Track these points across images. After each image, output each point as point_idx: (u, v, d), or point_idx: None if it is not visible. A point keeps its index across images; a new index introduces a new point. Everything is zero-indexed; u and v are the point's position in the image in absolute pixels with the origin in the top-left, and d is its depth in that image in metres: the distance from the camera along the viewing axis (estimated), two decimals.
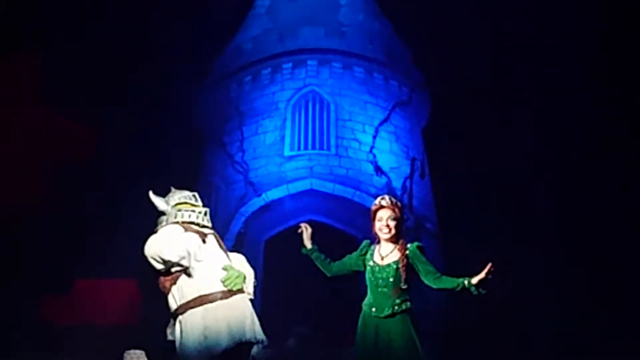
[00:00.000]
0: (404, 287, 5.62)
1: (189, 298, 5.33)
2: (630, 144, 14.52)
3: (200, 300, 5.30)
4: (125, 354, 10.29)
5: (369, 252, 5.88)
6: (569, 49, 15.88)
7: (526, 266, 14.47)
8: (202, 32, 17.03)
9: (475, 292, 5.45)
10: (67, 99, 13.92)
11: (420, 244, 5.79)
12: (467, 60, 17.20)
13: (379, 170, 15.66)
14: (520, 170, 16.26)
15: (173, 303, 5.42)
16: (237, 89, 16.99)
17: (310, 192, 15.38)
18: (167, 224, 5.60)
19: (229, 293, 5.37)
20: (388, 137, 16.33)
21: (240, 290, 5.45)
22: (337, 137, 15.90)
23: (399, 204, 5.88)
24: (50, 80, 13.88)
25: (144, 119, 15.38)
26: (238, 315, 5.35)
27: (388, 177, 15.63)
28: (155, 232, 5.60)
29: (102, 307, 13.11)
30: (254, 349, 5.52)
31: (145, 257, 5.45)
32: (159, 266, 5.37)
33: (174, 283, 5.40)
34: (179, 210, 5.66)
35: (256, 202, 15.24)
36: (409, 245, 5.75)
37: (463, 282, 5.48)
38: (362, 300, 5.82)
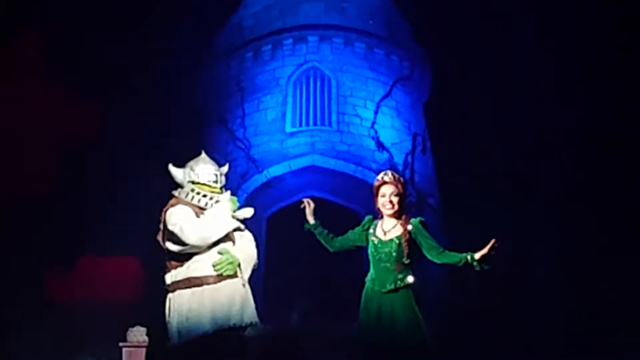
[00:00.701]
0: (407, 262, 5.62)
1: (179, 278, 5.34)
2: None
3: (189, 282, 5.31)
4: (128, 331, 10.34)
5: (372, 227, 5.88)
6: (577, 21, 15.78)
7: (529, 240, 14.46)
8: (202, 9, 16.93)
9: (478, 268, 5.45)
10: (68, 78, 13.88)
11: (422, 219, 5.80)
12: (469, 35, 17.10)
13: (380, 145, 15.65)
14: (523, 145, 16.21)
15: (168, 279, 5.42)
16: (238, 65, 16.94)
17: (312, 169, 15.39)
18: (178, 201, 5.55)
19: (219, 278, 5.34)
20: (389, 113, 16.31)
21: (233, 275, 5.42)
22: (339, 113, 15.88)
23: (401, 179, 5.86)
24: (51, 60, 13.83)
25: (146, 97, 15.32)
26: (224, 300, 5.32)
27: (390, 153, 15.62)
28: (173, 198, 5.59)
29: (105, 284, 13.14)
30: (248, 331, 5.50)
31: (164, 230, 5.43)
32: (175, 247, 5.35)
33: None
34: (192, 190, 5.61)
35: (258, 179, 15.25)
36: (411, 220, 5.75)
37: (466, 257, 5.48)
38: (365, 275, 5.83)
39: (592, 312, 12.67)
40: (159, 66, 15.96)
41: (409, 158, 15.84)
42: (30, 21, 13.89)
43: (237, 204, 5.65)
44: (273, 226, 15.01)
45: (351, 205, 15.31)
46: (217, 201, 5.61)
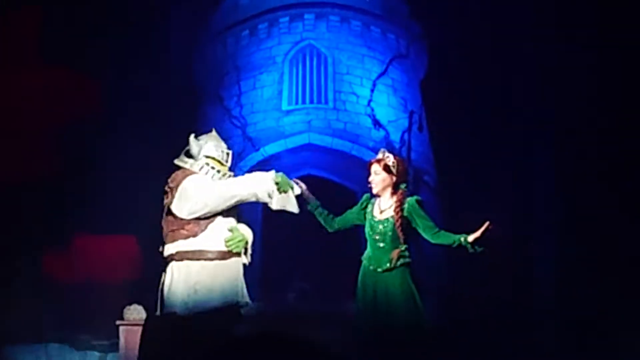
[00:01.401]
0: (402, 247, 5.64)
1: (188, 249, 5.33)
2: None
3: (200, 254, 5.31)
4: (125, 310, 10.35)
5: (370, 206, 5.90)
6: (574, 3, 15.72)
7: (526, 220, 14.49)
8: None
9: (472, 250, 5.47)
10: (65, 56, 13.84)
11: (419, 197, 5.81)
12: (466, 12, 17.04)
13: (377, 123, 15.64)
14: (520, 124, 16.19)
15: (172, 248, 5.39)
16: (235, 43, 16.89)
17: (309, 147, 15.38)
18: (190, 170, 5.57)
19: (228, 254, 5.37)
20: (386, 90, 16.29)
21: (238, 254, 5.45)
22: (335, 90, 15.85)
23: (392, 159, 5.86)
24: (48, 35, 13.78)
25: (142, 75, 15.28)
26: (232, 277, 5.37)
27: (386, 131, 15.61)
28: (185, 170, 5.58)
29: (101, 262, 13.15)
30: (244, 310, 5.55)
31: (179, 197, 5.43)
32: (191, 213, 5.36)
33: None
34: (207, 164, 5.63)
35: (254, 157, 15.23)
36: (407, 199, 5.75)
37: (459, 239, 5.50)
38: (362, 254, 5.86)
39: (593, 288, 12.72)
40: (155, 44, 15.91)
41: (406, 136, 15.83)
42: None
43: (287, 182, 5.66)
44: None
45: (347, 183, 15.29)
46: (229, 177, 5.72)
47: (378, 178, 5.83)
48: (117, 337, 10.12)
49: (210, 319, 5.22)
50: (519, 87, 16.44)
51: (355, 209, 6.02)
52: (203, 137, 5.80)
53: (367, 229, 5.84)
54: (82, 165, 13.99)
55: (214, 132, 5.97)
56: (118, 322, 10.18)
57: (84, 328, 11.46)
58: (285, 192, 5.59)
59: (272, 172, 5.68)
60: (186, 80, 17.06)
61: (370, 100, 15.85)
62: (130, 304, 10.38)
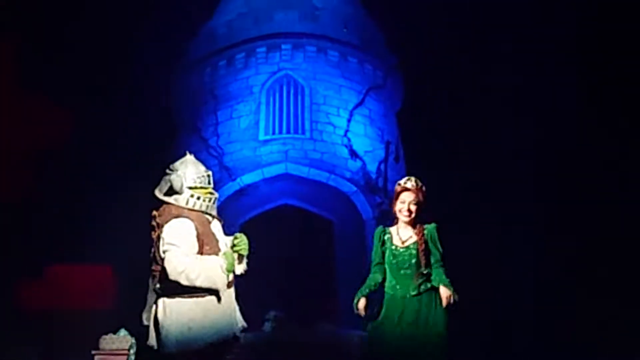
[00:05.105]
0: (425, 271, 5.75)
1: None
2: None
3: (192, 291, 5.25)
4: (100, 339, 10.31)
5: (386, 235, 5.96)
6: (552, 32, 15.94)
7: (505, 246, 14.60)
8: (176, 16, 16.94)
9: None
10: (44, 84, 13.84)
11: (437, 225, 5.93)
12: (441, 44, 17.23)
13: (353, 153, 15.69)
14: (496, 152, 16.34)
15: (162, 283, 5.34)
16: (212, 73, 16.94)
17: (285, 176, 15.38)
18: (177, 209, 5.50)
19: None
20: (362, 121, 16.36)
21: (229, 285, 5.43)
22: (312, 121, 15.90)
23: (423, 188, 5.98)
24: (26, 64, 13.78)
25: (121, 104, 15.32)
26: (225, 310, 5.37)
27: (363, 161, 15.66)
28: (171, 206, 5.54)
29: (77, 292, 13.09)
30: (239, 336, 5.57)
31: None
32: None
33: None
34: (192, 195, 5.58)
35: (231, 187, 15.23)
36: (426, 226, 5.90)
37: (438, 286, 5.67)
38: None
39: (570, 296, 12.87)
40: (133, 73, 15.94)
41: (382, 166, 15.88)
42: (6, 24, 13.81)
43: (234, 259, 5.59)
44: (246, 234, 14.99)
45: (324, 212, 15.30)
46: (214, 201, 5.72)
47: (415, 207, 5.92)
48: None
49: (204, 354, 5.21)
50: (496, 117, 16.61)
51: (377, 251, 6.03)
52: (179, 166, 5.71)
53: (388, 259, 5.89)
54: (57, 193, 13.95)
55: (188, 156, 5.86)
56: (93, 352, 10.14)
57: (59, 358, 11.38)
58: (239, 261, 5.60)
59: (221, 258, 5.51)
60: (163, 109, 17.08)
61: (347, 131, 15.91)
62: (106, 334, 10.35)
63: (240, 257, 5.61)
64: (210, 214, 5.67)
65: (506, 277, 14.18)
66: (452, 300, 5.54)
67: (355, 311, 5.88)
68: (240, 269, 5.66)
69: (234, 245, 5.55)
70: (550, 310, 13.22)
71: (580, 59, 15.42)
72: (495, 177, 15.93)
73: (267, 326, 11.81)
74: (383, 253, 5.95)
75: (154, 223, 5.48)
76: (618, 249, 13.25)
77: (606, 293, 12.54)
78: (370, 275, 6.03)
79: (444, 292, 5.58)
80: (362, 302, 5.87)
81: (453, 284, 5.64)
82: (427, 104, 17.11)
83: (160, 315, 5.29)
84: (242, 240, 5.58)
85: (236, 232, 5.80)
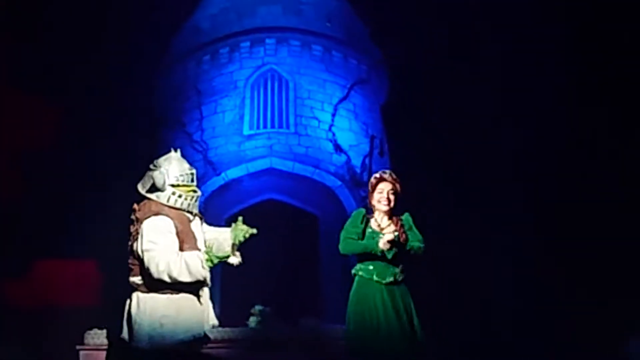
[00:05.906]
0: (402, 256, 5.84)
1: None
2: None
3: (166, 287, 5.24)
4: (85, 334, 10.30)
5: (368, 221, 6.04)
6: (535, 26, 15.98)
7: (488, 237, 14.64)
8: (159, 11, 16.86)
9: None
10: (26, 82, 13.78)
11: (408, 212, 6.04)
12: (426, 37, 17.25)
13: (338, 148, 15.70)
14: (478, 146, 16.37)
15: (138, 279, 5.33)
16: (196, 68, 16.92)
17: (270, 171, 15.39)
18: (158, 206, 5.45)
19: (195, 285, 5.35)
20: (347, 115, 16.37)
21: (204, 283, 5.42)
22: (296, 115, 15.92)
23: (398, 180, 6.05)
24: (12, 63, 13.72)
25: (104, 99, 15.26)
26: (198, 308, 5.35)
27: (347, 155, 15.68)
28: (152, 202, 5.49)
29: (61, 287, 13.05)
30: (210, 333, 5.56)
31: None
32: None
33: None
34: (174, 193, 5.51)
35: (216, 181, 15.23)
36: (402, 217, 6.06)
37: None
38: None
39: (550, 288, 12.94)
40: (116, 69, 15.89)
41: (367, 160, 15.91)
42: None
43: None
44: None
45: (308, 207, 15.32)
46: (196, 199, 5.64)
47: (393, 197, 6.00)
48: None
49: (175, 350, 5.19)
50: (481, 111, 16.64)
51: (358, 226, 6.00)
52: (163, 162, 5.62)
53: (369, 244, 5.91)
54: (41, 189, 13.89)
55: (173, 153, 5.75)
56: (78, 347, 10.12)
57: (44, 353, 11.34)
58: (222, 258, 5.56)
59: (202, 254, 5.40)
60: (147, 105, 17.03)
61: (331, 125, 15.93)
62: (90, 329, 10.33)
63: (234, 246, 5.59)
64: (191, 212, 5.60)
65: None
66: (395, 238, 5.66)
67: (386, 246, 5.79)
68: (235, 260, 5.65)
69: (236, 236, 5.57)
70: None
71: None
72: (486, 175, 15.94)
73: (253, 321, 11.80)
74: (364, 233, 5.96)
75: (133, 217, 5.47)
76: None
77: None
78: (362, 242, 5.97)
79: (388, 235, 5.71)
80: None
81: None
82: (413, 98, 17.12)
83: (133, 310, 5.27)
84: (242, 228, 5.62)
85: (222, 226, 5.79)
